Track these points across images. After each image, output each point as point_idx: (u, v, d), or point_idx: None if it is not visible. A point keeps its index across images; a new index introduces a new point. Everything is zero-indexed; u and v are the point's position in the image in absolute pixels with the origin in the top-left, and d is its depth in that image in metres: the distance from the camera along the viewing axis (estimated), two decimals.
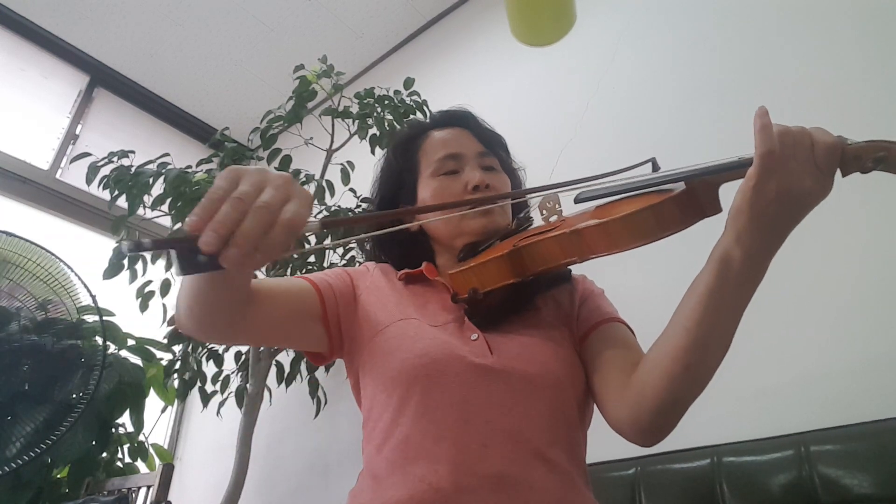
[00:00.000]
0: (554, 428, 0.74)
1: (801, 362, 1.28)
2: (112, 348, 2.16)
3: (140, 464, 2.31)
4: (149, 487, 1.86)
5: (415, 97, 2.11)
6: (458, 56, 2.66)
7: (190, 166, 2.00)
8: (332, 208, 2.04)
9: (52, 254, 1.75)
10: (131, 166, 1.97)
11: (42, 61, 2.98)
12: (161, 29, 2.92)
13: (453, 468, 0.67)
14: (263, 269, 2.02)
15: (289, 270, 1.98)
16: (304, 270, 2.02)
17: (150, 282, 1.98)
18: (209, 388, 2.02)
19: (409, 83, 2.13)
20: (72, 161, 2.85)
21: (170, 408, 2.78)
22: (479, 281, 0.78)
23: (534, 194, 0.79)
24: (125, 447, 2.29)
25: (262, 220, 0.43)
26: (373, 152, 1.98)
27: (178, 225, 1.98)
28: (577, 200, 0.76)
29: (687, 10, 1.90)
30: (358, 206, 2.07)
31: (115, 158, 1.98)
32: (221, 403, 2.02)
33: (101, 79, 3.15)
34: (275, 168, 2.01)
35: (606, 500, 0.91)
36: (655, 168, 0.76)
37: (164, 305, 2.00)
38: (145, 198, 1.94)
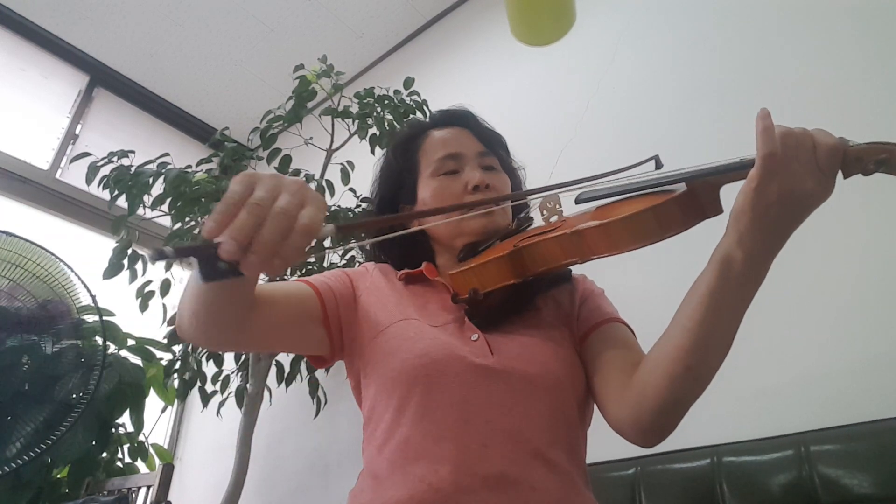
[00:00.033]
0: (554, 428, 0.74)
1: (801, 362, 1.28)
2: (112, 348, 2.16)
3: (140, 464, 2.31)
4: (149, 487, 1.86)
5: (415, 97, 2.11)
6: (458, 56, 2.66)
7: (190, 166, 2.00)
8: (332, 208, 2.04)
9: (52, 254, 1.76)
10: (131, 166, 1.97)
11: (42, 61, 2.98)
12: (161, 29, 2.92)
13: (454, 468, 0.67)
14: None
15: (288, 271, 1.98)
16: (303, 271, 2.02)
17: (150, 282, 1.98)
18: (209, 388, 2.02)
19: (409, 83, 2.13)
20: (72, 161, 2.85)
21: (170, 408, 2.78)
22: (479, 281, 0.78)
23: (535, 195, 0.79)
24: (125, 447, 2.29)
25: (280, 227, 0.43)
26: (373, 152, 1.98)
27: (178, 225, 1.98)
28: (578, 201, 0.76)
29: (687, 10, 1.90)
30: (358, 206, 2.07)
31: (114, 158, 1.98)
32: (221, 403, 2.02)
33: (101, 79, 3.15)
34: (275, 168, 2.02)
35: (606, 500, 0.91)
36: (659, 165, 0.76)
37: (164, 305, 2.00)
38: (145, 198, 1.94)
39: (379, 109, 2.05)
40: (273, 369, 2.05)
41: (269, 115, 2.02)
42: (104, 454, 2.16)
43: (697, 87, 1.76)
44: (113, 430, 2.20)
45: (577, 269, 0.85)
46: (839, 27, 1.53)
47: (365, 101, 2.06)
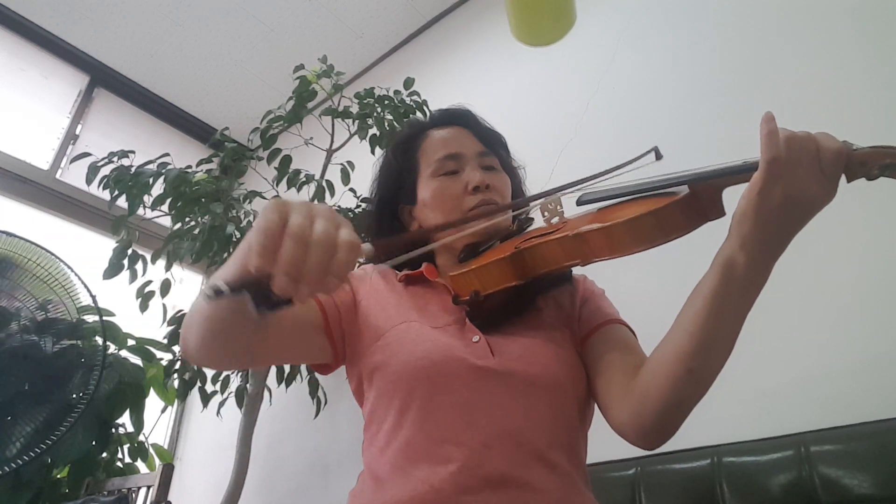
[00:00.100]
0: (555, 429, 0.74)
1: (801, 362, 1.28)
2: (112, 348, 2.16)
3: (140, 464, 2.31)
4: (149, 487, 1.86)
5: (415, 97, 2.11)
6: (458, 56, 2.66)
7: (190, 166, 2.00)
8: (332, 208, 2.04)
9: (52, 254, 1.75)
10: (131, 166, 1.97)
11: (42, 61, 2.98)
12: (161, 29, 2.92)
13: (455, 470, 0.67)
14: None
15: None
16: None
17: (150, 282, 1.98)
18: (209, 388, 2.02)
19: (409, 83, 2.13)
20: (72, 161, 2.85)
21: (170, 408, 2.78)
22: (480, 283, 0.77)
23: (539, 201, 0.78)
24: (125, 447, 2.28)
25: (325, 253, 0.43)
26: (373, 152, 1.97)
27: (178, 225, 1.98)
28: (580, 202, 0.76)
29: (687, 10, 1.90)
30: (358, 206, 2.07)
31: (115, 158, 1.98)
32: (221, 403, 2.02)
33: (101, 79, 3.15)
34: (275, 168, 2.02)
35: (606, 500, 0.91)
36: (658, 156, 0.75)
37: (164, 305, 2.00)
38: (145, 198, 1.94)
39: (379, 110, 2.05)
40: (273, 369, 2.05)
41: (269, 116, 2.02)
42: (104, 454, 2.16)
43: (697, 87, 1.76)
44: (113, 430, 2.20)
45: (577, 270, 0.85)
46: (839, 27, 1.53)
47: (365, 101, 2.06)
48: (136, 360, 2.29)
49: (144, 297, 1.96)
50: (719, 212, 0.66)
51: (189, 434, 2.98)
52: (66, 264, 1.76)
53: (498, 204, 0.88)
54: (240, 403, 1.98)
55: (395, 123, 2.04)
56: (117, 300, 2.04)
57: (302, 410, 2.25)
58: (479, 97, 1.87)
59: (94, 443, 2.04)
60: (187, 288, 3.17)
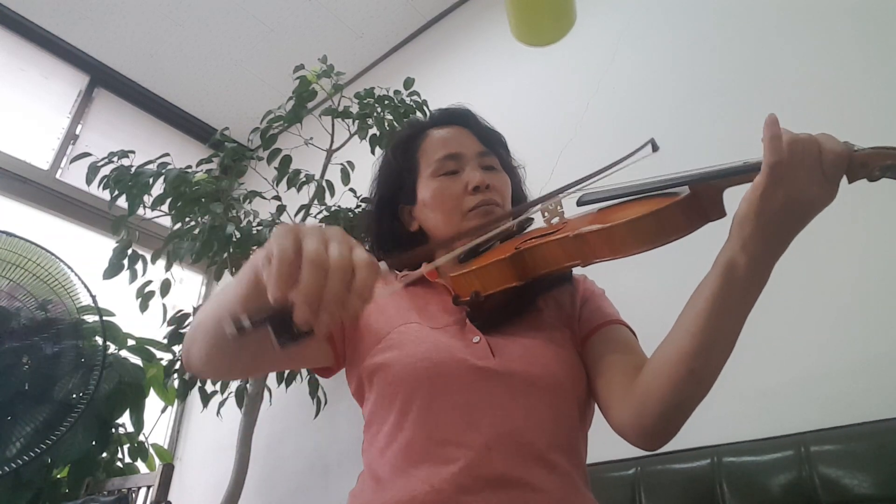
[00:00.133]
0: (555, 430, 0.74)
1: (801, 362, 1.28)
2: (112, 348, 2.16)
3: (140, 464, 2.31)
4: (149, 487, 1.86)
5: (415, 97, 2.11)
6: (458, 56, 2.66)
7: (190, 166, 2.00)
8: (333, 208, 2.04)
9: (52, 254, 1.75)
10: (131, 166, 1.97)
11: (42, 61, 2.98)
12: (161, 29, 2.92)
13: (456, 471, 0.67)
14: None
15: None
16: None
17: (150, 282, 1.98)
18: (209, 388, 2.02)
19: (409, 83, 2.13)
20: (72, 161, 2.85)
21: (170, 408, 2.78)
22: (481, 284, 0.77)
23: (541, 204, 0.78)
24: (125, 447, 2.28)
25: (344, 279, 0.42)
26: (373, 152, 1.97)
27: (178, 225, 1.98)
28: (580, 203, 0.76)
29: (687, 10, 1.90)
30: (358, 207, 2.07)
31: (115, 158, 1.98)
32: (221, 403, 2.02)
33: (101, 79, 3.15)
34: (275, 168, 2.02)
35: (606, 500, 0.91)
36: (655, 148, 0.75)
37: (164, 305, 2.00)
38: (145, 198, 1.94)
39: (379, 110, 2.05)
40: None
41: (269, 116, 2.02)
42: (104, 454, 2.16)
43: (698, 87, 1.76)
44: (113, 430, 2.20)
45: (577, 270, 0.85)
46: (839, 27, 1.53)
47: (365, 101, 2.06)
48: (136, 360, 2.29)
49: (144, 297, 1.96)
50: (720, 212, 0.66)
51: (189, 434, 2.98)
52: (66, 264, 1.76)
53: (498, 203, 0.88)
54: (240, 403, 1.98)
55: (395, 123, 2.04)
56: (117, 300, 2.04)
57: (302, 410, 2.25)
58: (479, 97, 1.87)
59: (94, 443, 2.04)
60: (187, 288, 3.18)
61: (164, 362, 2.16)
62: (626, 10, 2.06)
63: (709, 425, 1.22)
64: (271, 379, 2.03)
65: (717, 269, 0.62)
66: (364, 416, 0.82)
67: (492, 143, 0.96)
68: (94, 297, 1.77)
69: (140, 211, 1.94)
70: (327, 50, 2.28)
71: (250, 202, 2.11)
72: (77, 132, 3.01)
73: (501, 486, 0.67)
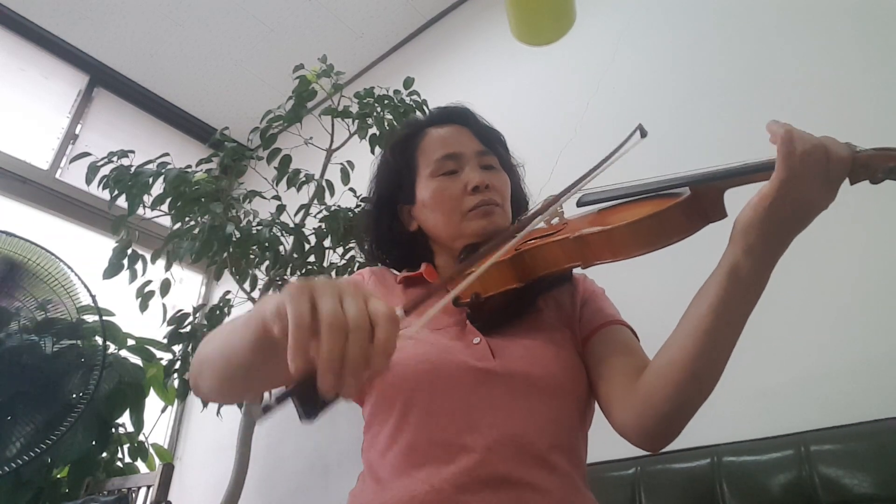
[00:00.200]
0: (556, 430, 0.74)
1: (801, 362, 1.28)
2: (112, 348, 2.16)
3: (140, 464, 2.31)
4: (149, 487, 1.86)
5: (414, 97, 2.11)
6: (458, 56, 2.65)
7: (190, 166, 2.00)
8: (332, 208, 2.04)
9: (52, 254, 1.75)
10: (131, 166, 1.97)
11: (42, 61, 2.98)
12: (161, 29, 2.92)
13: (456, 471, 0.67)
14: (263, 269, 2.02)
15: (289, 270, 1.98)
16: (303, 270, 2.02)
17: (150, 282, 1.98)
18: None
19: (408, 83, 2.13)
20: (72, 161, 2.85)
21: (170, 408, 2.77)
22: (481, 285, 0.77)
23: (544, 209, 0.77)
24: (125, 447, 2.28)
25: (364, 340, 0.40)
26: (372, 152, 1.97)
27: (178, 225, 1.97)
28: (581, 204, 0.76)
29: (687, 10, 1.90)
30: (358, 206, 2.07)
31: (114, 158, 1.97)
32: (221, 404, 2.02)
33: (101, 79, 3.15)
34: (275, 168, 2.02)
35: (606, 500, 0.91)
36: (643, 134, 0.74)
37: (164, 305, 2.00)
38: (145, 198, 1.94)
39: (379, 109, 2.05)
40: None
41: (269, 115, 2.02)
42: (104, 454, 2.16)
43: (698, 87, 1.76)
44: (113, 430, 2.20)
45: (577, 270, 0.85)
46: (839, 27, 1.53)
47: (365, 101, 2.06)
48: (136, 359, 2.29)
49: (144, 297, 1.96)
50: (721, 213, 0.66)
51: (189, 434, 2.98)
52: (65, 264, 1.76)
53: (498, 203, 0.87)
54: (240, 403, 1.98)
55: (394, 123, 2.04)
56: (117, 300, 2.03)
57: None
58: (479, 97, 1.86)
59: (94, 443, 2.04)
60: (187, 288, 3.18)
61: (163, 362, 2.15)
62: (626, 10, 2.06)
63: (709, 425, 1.22)
64: None
65: (721, 273, 0.62)
66: (364, 416, 0.82)
67: (491, 142, 0.96)
68: (93, 297, 1.77)
69: (140, 211, 1.94)
70: (327, 50, 2.28)
71: (250, 202, 2.11)
72: (77, 132, 3.01)
73: (502, 487, 0.67)
